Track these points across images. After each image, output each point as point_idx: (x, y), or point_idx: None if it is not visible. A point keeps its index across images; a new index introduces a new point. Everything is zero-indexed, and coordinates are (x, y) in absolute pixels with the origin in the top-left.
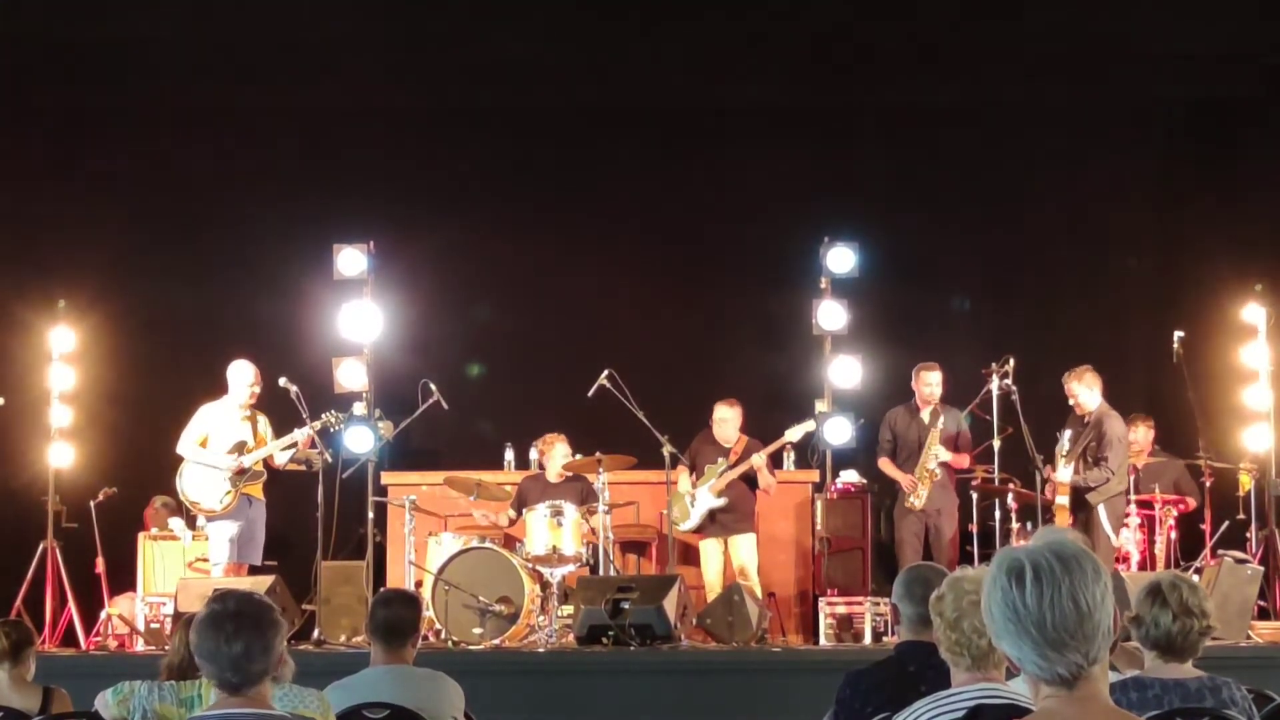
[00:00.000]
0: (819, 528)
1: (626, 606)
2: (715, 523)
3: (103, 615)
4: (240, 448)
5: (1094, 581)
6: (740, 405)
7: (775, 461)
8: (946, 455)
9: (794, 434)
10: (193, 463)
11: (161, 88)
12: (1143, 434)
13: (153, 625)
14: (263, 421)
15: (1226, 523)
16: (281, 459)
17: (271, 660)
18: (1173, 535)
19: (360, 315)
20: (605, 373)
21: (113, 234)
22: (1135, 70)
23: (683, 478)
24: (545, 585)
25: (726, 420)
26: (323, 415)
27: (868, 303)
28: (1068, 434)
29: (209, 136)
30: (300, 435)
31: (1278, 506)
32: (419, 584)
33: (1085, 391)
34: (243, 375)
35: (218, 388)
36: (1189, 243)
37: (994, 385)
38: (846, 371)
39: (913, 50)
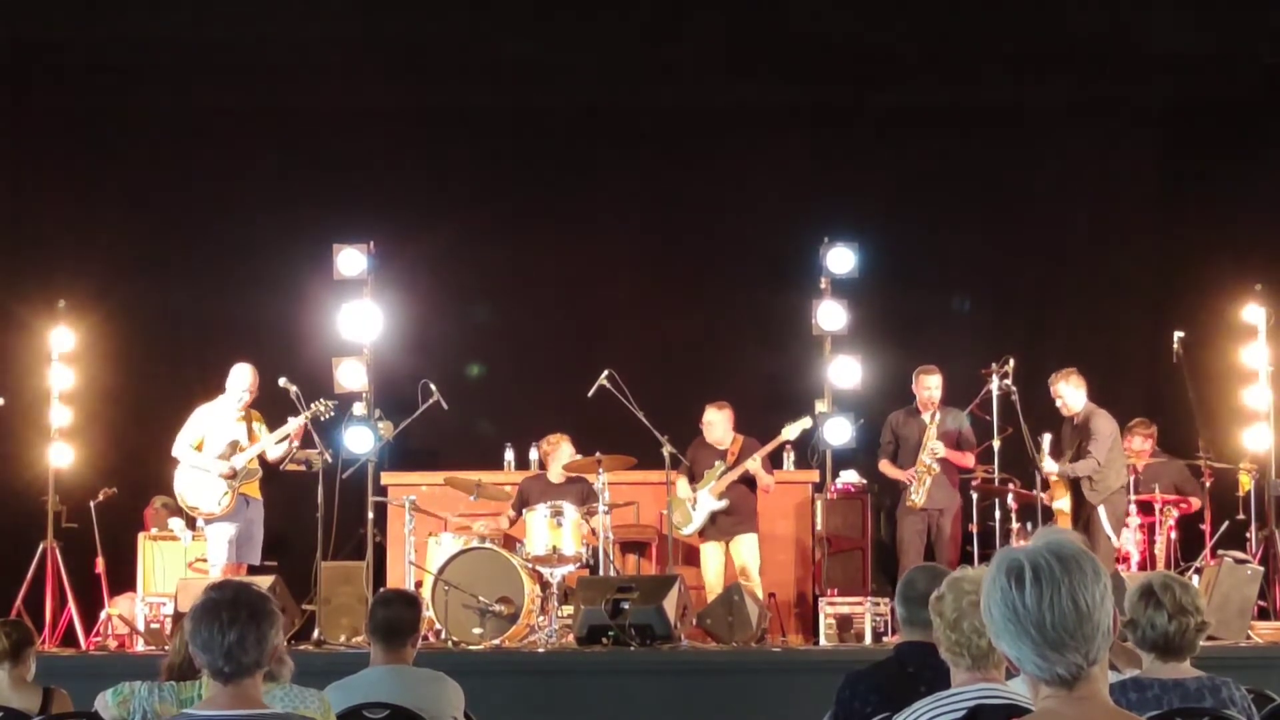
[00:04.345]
0: (819, 528)
1: (626, 606)
2: (716, 525)
3: (103, 615)
4: (233, 448)
5: (1093, 582)
6: (729, 406)
7: (775, 461)
8: (943, 450)
9: (791, 432)
10: (187, 466)
11: (162, 88)
12: (1139, 443)
13: (153, 625)
14: (258, 423)
15: (1226, 523)
16: (275, 453)
17: (265, 651)
18: (1173, 535)
19: (360, 315)
20: (605, 373)
21: (113, 234)
22: (1135, 70)
23: (681, 483)
24: (545, 585)
25: (714, 423)
26: (312, 404)
27: (868, 303)
28: (1048, 438)
29: (209, 136)
30: (291, 426)
31: (1278, 506)
32: (419, 584)
33: (1072, 392)
34: (238, 381)
35: (217, 388)
36: (1189, 243)
37: (994, 386)
38: (846, 372)
39: (913, 50)
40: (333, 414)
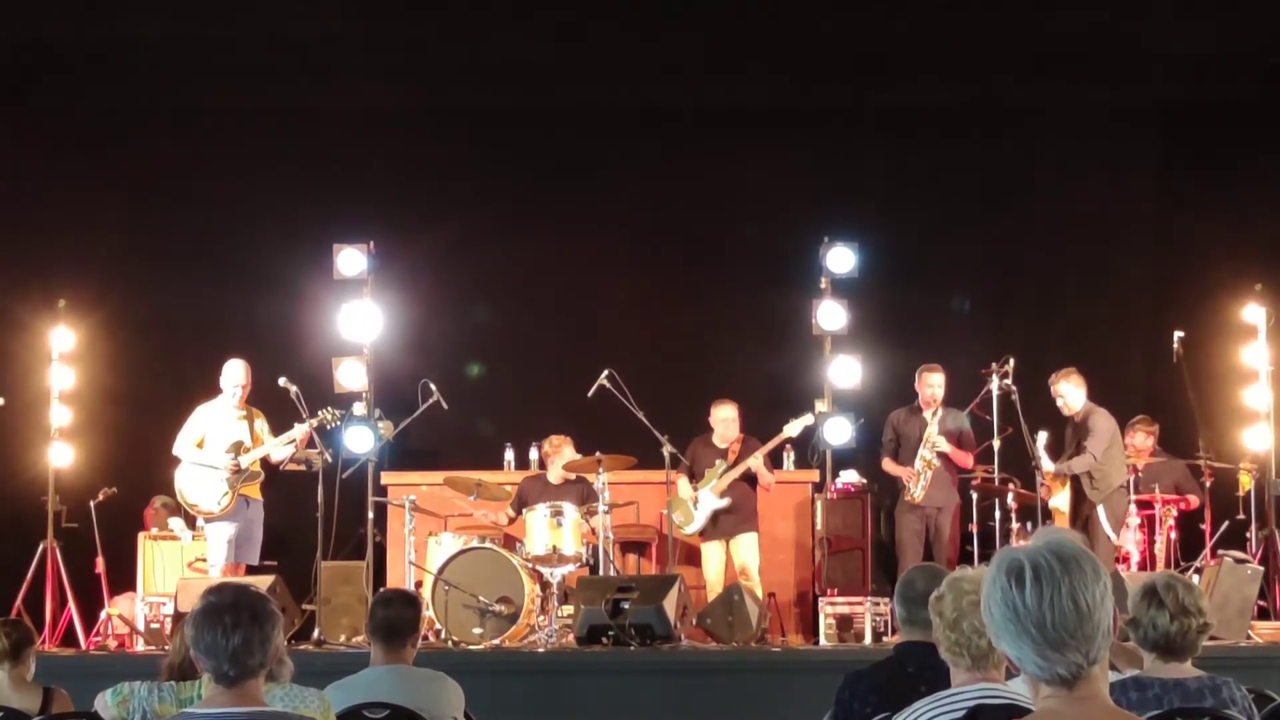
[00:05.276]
0: (819, 528)
1: (626, 606)
2: (718, 525)
3: (103, 615)
4: (237, 448)
5: (1093, 581)
6: (736, 404)
7: (776, 459)
8: (946, 446)
9: (793, 429)
10: (189, 464)
11: (161, 88)
12: (1140, 440)
13: (153, 625)
14: (260, 421)
15: (1226, 523)
16: (279, 456)
17: (270, 653)
18: (1173, 535)
19: (360, 315)
20: (605, 373)
21: (113, 234)
22: (1135, 70)
23: (682, 482)
24: (545, 585)
25: (729, 420)
26: (319, 412)
27: (868, 303)
28: (1044, 435)
29: (208, 136)
30: (297, 433)
31: (1278, 506)
32: (419, 584)
33: (1072, 391)
34: (231, 375)
35: (218, 388)
36: (1189, 243)
37: (994, 385)
38: (846, 371)
39: (913, 50)
40: (339, 424)
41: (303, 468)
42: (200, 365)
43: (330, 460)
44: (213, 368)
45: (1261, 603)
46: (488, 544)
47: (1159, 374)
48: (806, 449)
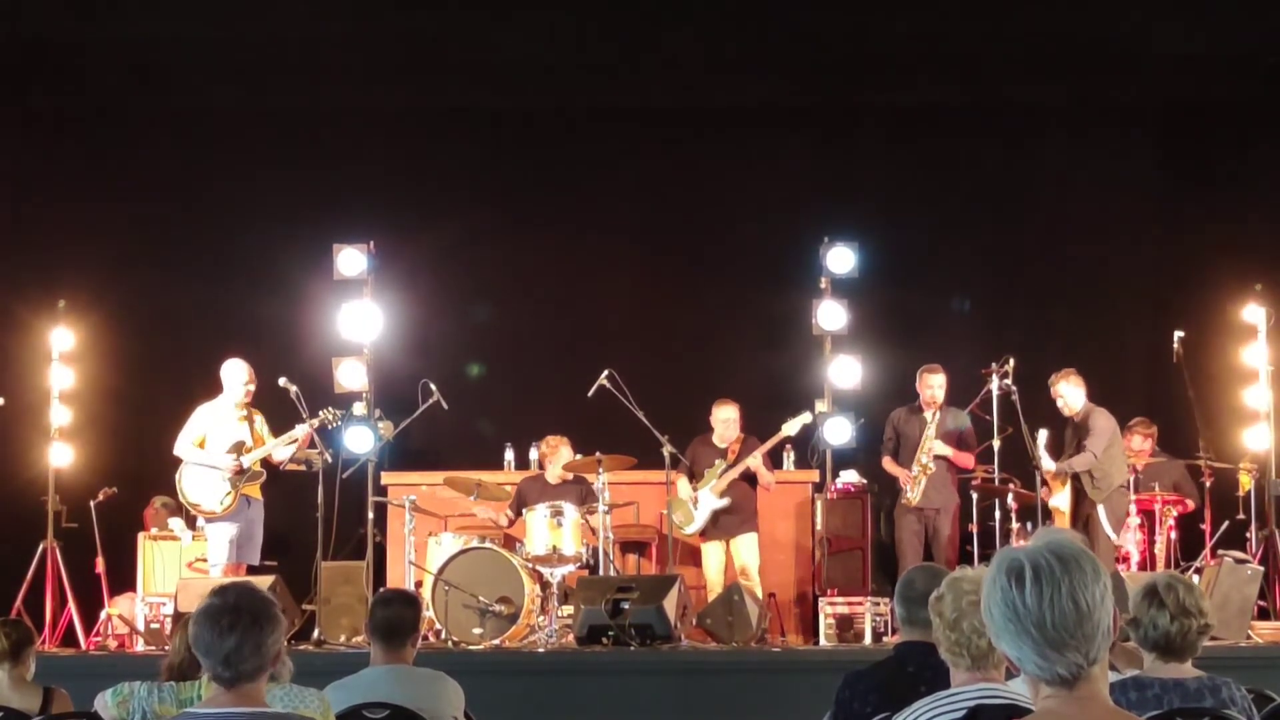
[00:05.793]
0: (819, 528)
1: (626, 606)
2: (718, 525)
3: (103, 615)
4: (239, 448)
5: (1093, 581)
6: (737, 404)
7: (776, 460)
8: (945, 450)
9: (791, 428)
10: (191, 464)
11: (161, 88)
12: (1139, 442)
13: (153, 625)
14: (260, 421)
15: (1226, 523)
16: (280, 456)
17: (268, 657)
18: (1172, 535)
19: (360, 315)
20: (605, 373)
21: (113, 234)
22: (1135, 70)
23: (682, 483)
24: (545, 585)
25: (730, 420)
26: (320, 413)
27: (868, 303)
28: (1044, 434)
29: (208, 136)
30: (299, 433)
31: (1278, 506)
32: (419, 584)
33: (1072, 391)
34: (237, 374)
35: (217, 388)
36: (1189, 243)
37: (994, 385)
38: (846, 371)
39: (913, 50)
40: (340, 424)
41: (303, 468)
42: (200, 365)
43: (330, 460)
44: (213, 368)
45: (1261, 603)
46: (488, 544)
47: (1159, 374)
48: (807, 449)
